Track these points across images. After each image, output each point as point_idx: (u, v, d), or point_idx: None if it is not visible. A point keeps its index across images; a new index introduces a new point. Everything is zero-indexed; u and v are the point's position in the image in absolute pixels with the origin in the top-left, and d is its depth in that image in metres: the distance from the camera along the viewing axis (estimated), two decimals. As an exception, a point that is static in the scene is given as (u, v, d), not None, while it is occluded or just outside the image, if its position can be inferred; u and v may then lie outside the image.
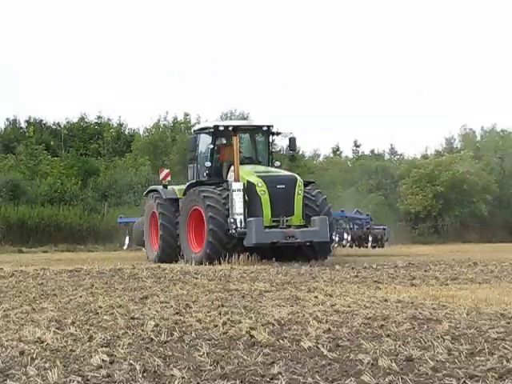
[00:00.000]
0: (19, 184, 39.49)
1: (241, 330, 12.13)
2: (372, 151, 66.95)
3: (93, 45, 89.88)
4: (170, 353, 10.32)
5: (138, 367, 9.19)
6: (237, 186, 24.08)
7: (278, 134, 28.49)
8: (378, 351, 10.12)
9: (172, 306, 15.73)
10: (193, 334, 11.88)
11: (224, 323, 12.88)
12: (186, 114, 50.66)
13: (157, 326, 12.64)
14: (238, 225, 24.05)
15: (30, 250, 34.05)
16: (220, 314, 14.34)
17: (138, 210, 37.61)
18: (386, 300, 16.47)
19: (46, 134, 47.72)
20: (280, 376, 8.70)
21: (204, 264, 24.17)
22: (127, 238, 35.92)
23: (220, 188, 25.93)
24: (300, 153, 58.56)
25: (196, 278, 22.37)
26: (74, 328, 12.48)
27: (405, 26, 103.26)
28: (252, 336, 11.52)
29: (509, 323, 12.52)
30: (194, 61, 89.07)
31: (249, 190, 24.53)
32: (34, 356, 9.99)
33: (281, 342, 11.09)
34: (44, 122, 48.66)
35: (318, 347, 10.55)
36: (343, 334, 11.63)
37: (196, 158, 28.92)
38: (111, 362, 9.54)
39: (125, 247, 36.12)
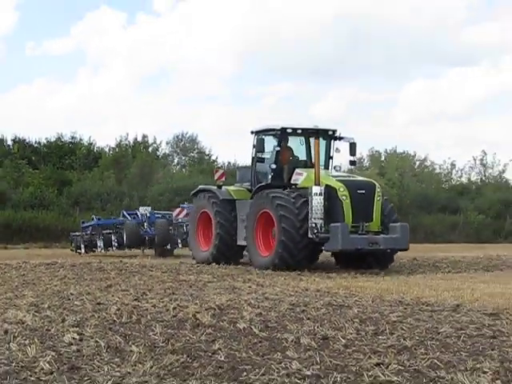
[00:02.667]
0: (5, 192, 39.16)
1: (188, 313, 12.24)
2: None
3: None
4: (130, 332, 10.46)
5: (102, 344, 9.32)
6: (317, 189, 20.90)
7: (340, 138, 24.37)
8: (300, 331, 10.40)
9: (131, 294, 15.72)
10: (148, 317, 12.00)
11: (174, 308, 13.01)
12: (144, 136, 50.57)
13: (118, 310, 12.64)
14: (320, 229, 20.73)
15: (13, 247, 34.01)
16: (171, 300, 14.44)
17: (105, 214, 37.03)
18: (307, 289, 16.77)
19: (29, 151, 47.67)
20: (220, 351, 8.91)
21: (274, 269, 21.00)
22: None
23: (288, 190, 22.39)
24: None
25: (151, 271, 22.39)
26: (49, 311, 12.51)
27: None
28: (197, 319, 11.67)
29: (406, 308, 13.03)
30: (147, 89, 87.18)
31: (329, 194, 21.30)
32: (16, 334, 10.14)
33: (220, 323, 11.28)
34: (27, 140, 48.24)
35: (251, 328, 10.79)
36: (272, 317, 11.86)
37: (262, 159, 24.54)
38: (80, 340, 9.68)
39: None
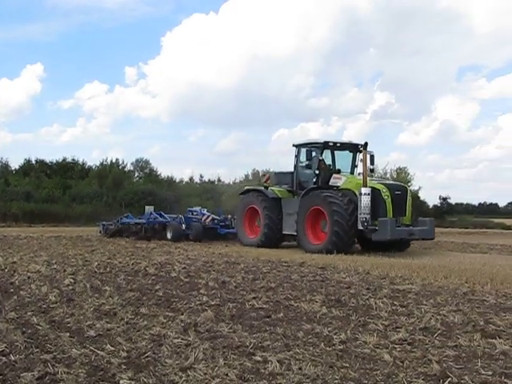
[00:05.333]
0: (31, 192, 38.99)
1: (141, 267, 13.05)
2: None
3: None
4: (105, 278, 11.16)
5: (88, 285, 10.02)
6: (366, 190, 17.51)
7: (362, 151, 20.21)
8: (208, 278, 11.13)
9: (106, 255, 16.53)
10: (116, 269, 12.69)
11: (132, 263, 13.75)
12: (117, 159, 50.86)
13: (98, 264, 13.44)
14: (368, 222, 17.41)
15: (35, 226, 33.13)
16: (130, 259, 15.09)
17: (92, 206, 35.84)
18: (213, 253, 17.44)
19: (46, 167, 49.51)
20: (159, 290, 9.49)
21: (327, 253, 17.10)
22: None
23: (333, 191, 18.61)
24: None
25: (119, 242, 22.23)
26: (56, 265, 13.31)
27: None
28: (146, 270, 12.40)
29: (272, 264, 13.71)
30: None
31: (374, 194, 17.74)
32: (35, 279, 10.76)
33: (160, 273, 12.00)
34: (45, 161, 49.51)
35: (179, 276, 11.49)
36: (192, 269, 12.61)
37: (307, 166, 20.04)
38: (74, 283, 10.34)
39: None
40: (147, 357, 5.32)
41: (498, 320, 7.14)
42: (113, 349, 5.58)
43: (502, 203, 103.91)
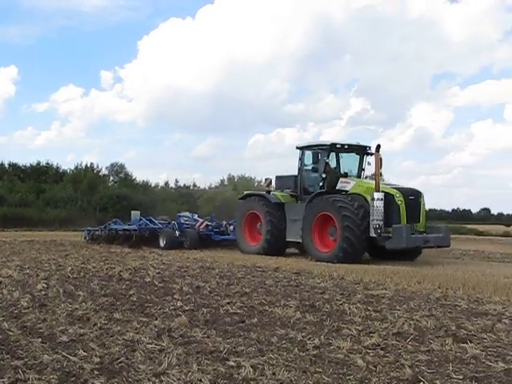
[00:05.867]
0: (3, 196, 38.63)
1: (115, 272, 12.97)
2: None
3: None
4: (78, 283, 11.08)
5: (61, 290, 9.93)
6: (378, 195, 16.27)
7: (371, 154, 18.63)
8: (182, 283, 11.12)
9: (80, 259, 16.40)
10: (90, 274, 12.64)
11: (106, 268, 13.71)
12: (92, 163, 50.92)
13: (72, 269, 13.35)
14: (382, 229, 16.17)
15: (7, 230, 32.67)
16: (104, 263, 15.04)
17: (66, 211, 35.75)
18: (188, 258, 17.41)
19: (19, 171, 48.60)
20: (133, 295, 9.43)
21: (338, 262, 15.87)
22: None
23: (342, 195, 17.39)
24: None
25: (93, 247, 21.99)
26: (28, 270, 13.22)
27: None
28: (120, 275, 12.33)
29: (247, 269, 13.76)
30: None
31: (387, 199, 16.49)
32: (6, 284, 10.65)
33: (135, 278, 11.98)
34: (18, 164, 49.68)
35: (153, 281, 11.48)
36: (166, 274, 12.61)
37: (313, 170, 18.66)
38: (47, 288, 10.24)
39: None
40: (120, 362, 5.28)
41: (470, 325, 7.20)
42: (85, 354, 5.53)
43: (474, 209, 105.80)
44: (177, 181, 68.18)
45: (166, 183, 67.76)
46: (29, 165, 58.62)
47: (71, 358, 5.41)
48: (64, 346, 5.94)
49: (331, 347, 6.00)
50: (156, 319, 7.35)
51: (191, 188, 67.01)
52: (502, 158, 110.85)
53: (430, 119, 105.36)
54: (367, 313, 7.96)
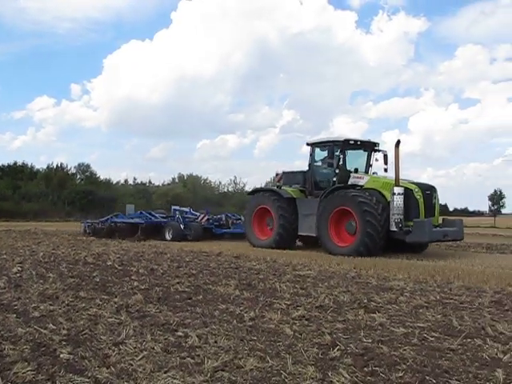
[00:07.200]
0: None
1: (80, 257, 12.75)
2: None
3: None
4: (49, 266, 10.77)
5: (34, 273, 9.67)
6: (399, 190, 14.45)
7: (379, 150, 16.97)
8: (139, 266, 10.94)
9: (51, 246, 15.95)
10: (59, 258, 12.28)
11: (74, 254, 13.40)
12: (62, 163, 50.39)
13: (44, 255, 13.01)
14: (402, 223, 14.25)
15: (-14, 222, 32.01)
16: (72, 250, 14.68)
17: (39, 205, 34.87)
18: (144, 245, 17.10)
19: None
20: (97, 276, 9.24)
21: (358, 255, 14.10)
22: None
23: (359, 190, 15.32)
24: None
25: (63, 235, 20.61)
26: (5, 255, 12.79)
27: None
28: (85, 259, 12.14)
29: (194, 254, 13.59)
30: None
31: (407, 194, 14.61)
32: None
33: (98, 262, 11.74)
34: None
35: (114, 264, 11.30)
36: (125, 258, 12.41)
37: (329, 165, 16.54)
38: (21, 271, 9.99)
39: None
40: (85, 334, 5.21)
41: (378, 298, 7.36)
42: (54, 327, 5.43)
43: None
44: (135, 179, 67.95)
45: (126, 181, 67.38)
46: (6, 164, 57.84)
47: (42, 330, 5.32)
48: (36, 320, 5.82)
49: (264, 319, 6.01)
50: (116, 297, 7.25)
51: (147, 185, 66.65)
52: (406, 162, 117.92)
53: (349, 128, 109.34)
54: (295, 290, 8.02)
